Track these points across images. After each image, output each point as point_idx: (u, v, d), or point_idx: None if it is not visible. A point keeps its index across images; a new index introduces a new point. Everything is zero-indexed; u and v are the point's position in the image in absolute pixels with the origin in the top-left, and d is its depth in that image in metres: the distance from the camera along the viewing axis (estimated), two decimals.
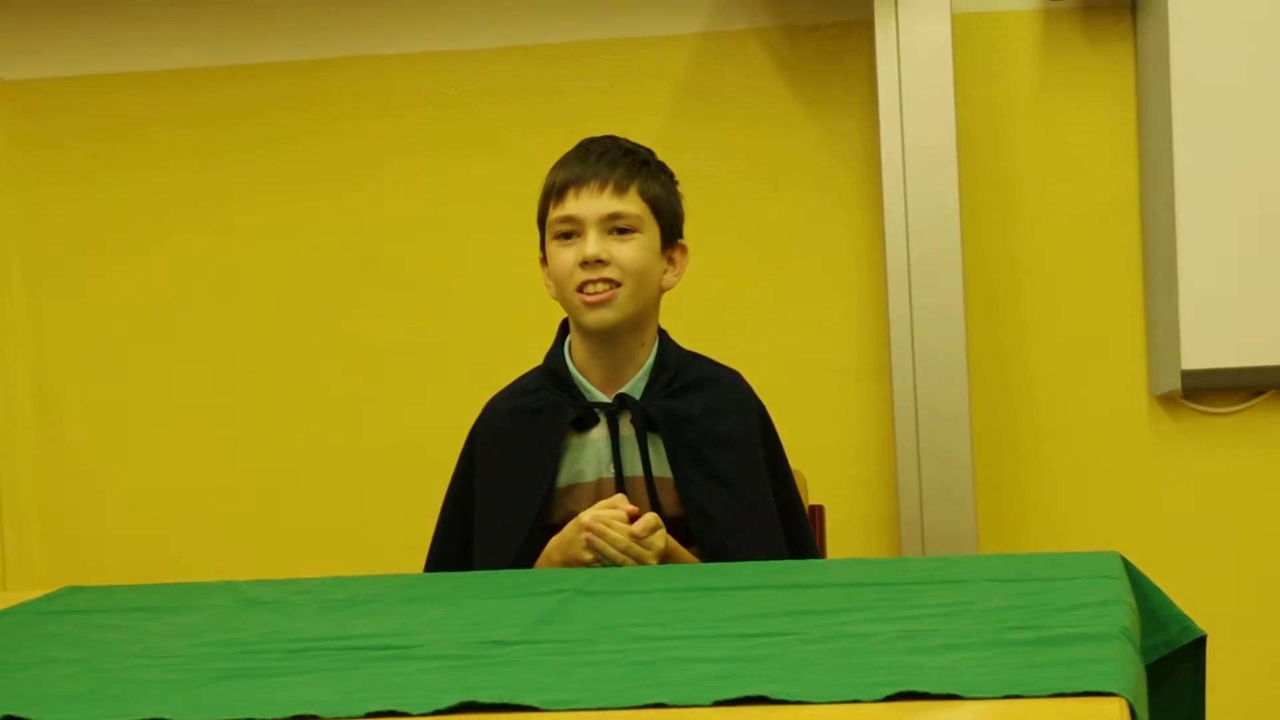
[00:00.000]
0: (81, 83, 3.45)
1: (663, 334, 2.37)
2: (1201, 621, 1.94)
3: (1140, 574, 1.91)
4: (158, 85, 3.44)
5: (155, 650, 1.72)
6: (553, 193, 2.32)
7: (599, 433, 2.31)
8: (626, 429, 2.30)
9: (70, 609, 2.02)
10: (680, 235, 2.37)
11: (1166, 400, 3.21)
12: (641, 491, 2.29)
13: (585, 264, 2.25)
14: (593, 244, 2.26)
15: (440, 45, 3.36)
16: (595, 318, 2.26)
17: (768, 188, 3.28)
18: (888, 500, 3.23)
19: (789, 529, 2.36)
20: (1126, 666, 1.43)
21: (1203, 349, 3.09)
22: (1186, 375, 3.11)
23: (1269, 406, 3.19)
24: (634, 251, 2.27)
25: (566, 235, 2.29)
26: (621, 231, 2.28)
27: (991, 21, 3.23)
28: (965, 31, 3.19)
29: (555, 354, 2.36)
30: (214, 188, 3.43)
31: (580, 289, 2.26)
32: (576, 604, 1.85)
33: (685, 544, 2.29)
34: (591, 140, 2.36)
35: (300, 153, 3.40)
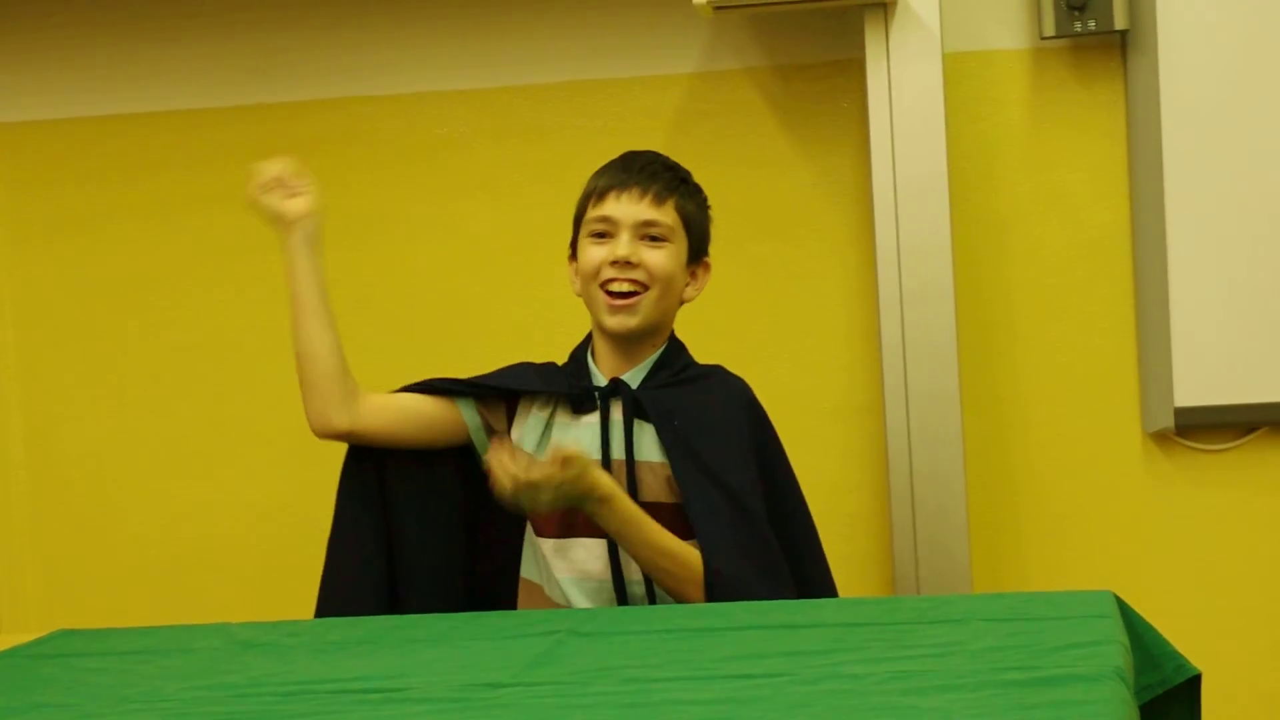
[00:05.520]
0: (75, 125, 3.46)
1: (675, 340, 2.50)
2: (1196, 660, 1.94)
3: (1134, 612, 1.91)
4: (152, 127, 3.43)
5: (148, 694, 1.72)
6: (594, 194, 2.45)
7: (593, 418, 2.42)
8: (618, 414, 2.41)
9: (63, 652, 2.02)
10: (705, 254, 2.51)
11: (1159, 437, 3.21)
12: (622, 475, 2.38)
13: (615, 263, 2.38)
14: (625, 246, 2.39)
15: (431, 86, 3.37)
16: (617, 321, 2.40)
17: (760, 226, 3.29)
18: (881, 539, 3.23)
19: (785, 526, 2.43)
20: (1120, 706, 1.43)
21: (1196, 386, 3.10)
22: (1179, 412, 3.11)
23: (1262, 443, 3.19)
24: (663, 259, 2.41)
25: (601, 235, 2.42)
26: (654, 239, 2.41)
27: (982, 60, 3.24)
28: (956, 70, 3.20)
29: (582, 343, 2.50)
30: (209, 230, 3.43)
31: (605, 285, 2.39)
32: (570, 645, 1.85)
33: (685, 532, 2.36)
34: (635, 152, 2.50)
35: None
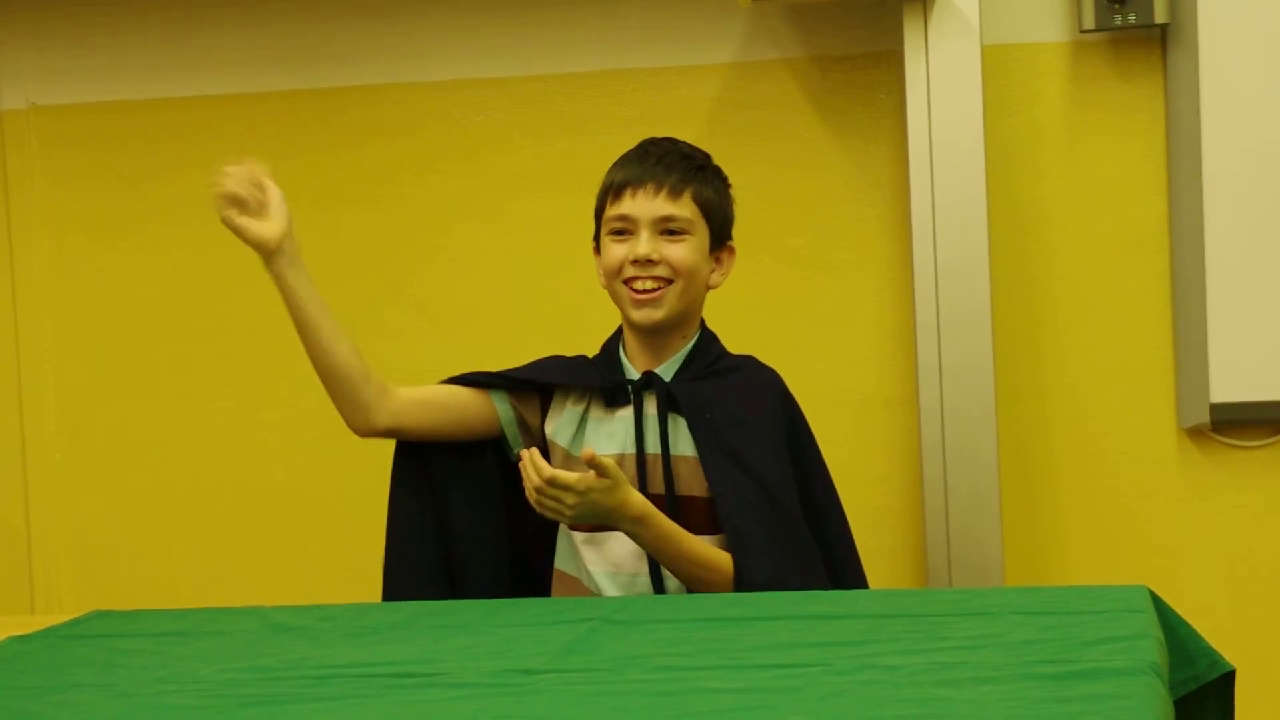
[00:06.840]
0: (115, 108, 3.47)
1: (707, 331, 2.49)
2: (1230, 656, 1.94)
3: (1168, 608, 1.91)
4: (185, 112, 3.45)
5: (182, 676, 1.73)
6: (610, 190, 2.43)
7: (626, 412, 2.41)
8: (651, 408, 2.40)
9: (97, 633, 2.03)
10: (729, 237, 2.48)
11: (1195, 433, 3.20)
12: (658, 469, 2.37)
13: (636, 262, 2.37)
14: (645, 244, 2.38)
15: (467, 74, 3.37)
16: (643, 315, 2.39)
17: (795, 218, 3.28)
18: (913, 531, 3.23)
19: (816, 517, 2.42)
20: (1155, 702, 1.42)
21: (1231, 382, 3.08)
22: (1215, 408, 3.10)
23: None
24: (684, 252, 2.39)
25: (620, 232, 2.41)
26: (672, 233, 2.39)
27: (1021, 53, 3.23)
28: (995, 63, 3.19)
29: (614, 335, 2.49)
30: None
31: (628, 282, 2.38)
32: (603, 633, 1.85)
33: (713, 526, 2.36)
34: (651, 142, 2.47)
35: (329, 182, 3.41)
